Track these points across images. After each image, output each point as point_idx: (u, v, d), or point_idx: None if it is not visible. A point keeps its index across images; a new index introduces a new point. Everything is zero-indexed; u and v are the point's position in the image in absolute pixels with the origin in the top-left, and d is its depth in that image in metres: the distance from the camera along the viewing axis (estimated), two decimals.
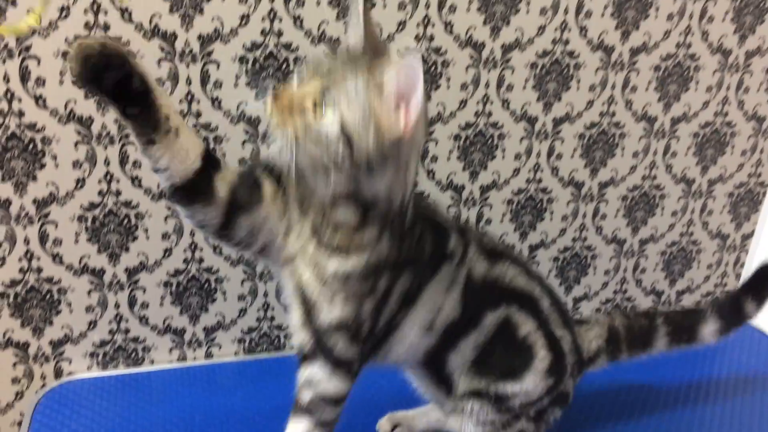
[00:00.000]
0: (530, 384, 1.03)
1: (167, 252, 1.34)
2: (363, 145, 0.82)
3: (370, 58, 0.85)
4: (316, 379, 0.94)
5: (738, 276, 1.76)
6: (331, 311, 0.90)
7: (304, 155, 0.84)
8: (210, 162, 0.88)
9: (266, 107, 0.83)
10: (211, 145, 1.29)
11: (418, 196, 1.00)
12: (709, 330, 1.21)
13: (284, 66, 1.27)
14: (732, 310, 1.23)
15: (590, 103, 1.46)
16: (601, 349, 1.16)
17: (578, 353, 1.11)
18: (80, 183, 1.25)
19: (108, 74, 0.77)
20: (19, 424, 1.35)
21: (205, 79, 1.24)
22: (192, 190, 0.87)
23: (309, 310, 0.91)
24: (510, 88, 1.40)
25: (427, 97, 0.81)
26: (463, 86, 1.37)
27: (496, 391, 1.02)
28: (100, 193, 1.27)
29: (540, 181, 1.51)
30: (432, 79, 1.35)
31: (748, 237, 1.72)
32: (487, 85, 1.38)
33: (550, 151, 1.48)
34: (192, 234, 1.34)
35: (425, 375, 1.06)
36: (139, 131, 0.83)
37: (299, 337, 0.94)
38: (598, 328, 1.17)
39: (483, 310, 1.00)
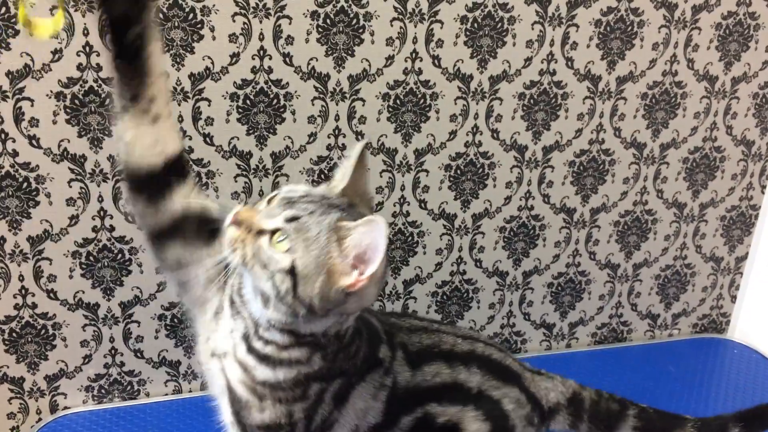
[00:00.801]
0: None
1: (161, 285, 1.35)
2: (307, 288, 0.80)
3: (344, 208, 0.84)
4: None
5: (734, 298, 1.76)
6: (262, 413, 0.88)
7: (250, 275, 0.82)
8: (177, 170, 0.87)
9: (226, 219, 0.81)
10: (203, 180, 1.31)
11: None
12: None
13: (275, 102, 1.29)
14: (716, 429, 1.14)
15: (579, 132, 1.47)
16: (561, 405, 1.12)
17: (532, 401, 1.09)
18: (74, 219, 1.27)
19: None
20: None
21: (196, 116, 1.26)
22: (143, 182, 0.86)
23: (238, 410, 0.89)
24: (499, 118, 1.41)
25: (388, 259, 0.80)
26: (452, 117, 1.39)
27: None
28: (93, 228, 1.29)
29: (532, 208, 1.52)
30: (421, 111, 1.37)
31: (742, 259, 1.72)
32: (476, 116, 1.40)
33: (541, 179, 1.50)
34: None
35: None
36: (120, 92, 0.83)
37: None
38: (561, 385, 1.13)
39: (400, 414, 0.98)
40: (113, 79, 0.83)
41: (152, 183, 0.86)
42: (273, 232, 0.80)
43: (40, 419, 1.37)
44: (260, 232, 0.80)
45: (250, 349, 0.88)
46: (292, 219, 0.80)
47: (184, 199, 0.88)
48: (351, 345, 0.92)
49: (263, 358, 0.87)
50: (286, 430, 0.90)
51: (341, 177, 0.88)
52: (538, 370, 1.14)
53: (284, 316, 0.82)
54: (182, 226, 0.88)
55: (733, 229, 1.68)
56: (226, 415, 0.92)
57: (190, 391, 1.45)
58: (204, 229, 0.89)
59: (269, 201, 0.84)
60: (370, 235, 0.78)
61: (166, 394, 1.44)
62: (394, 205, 1.43)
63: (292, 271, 0.79)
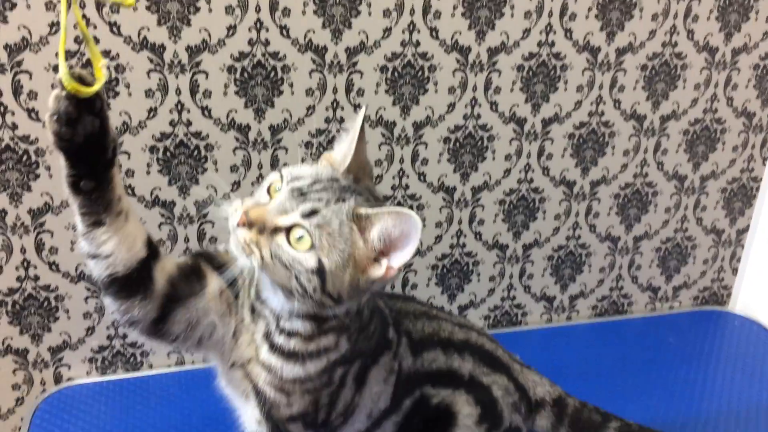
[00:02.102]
0: None
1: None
2: (336, 283, 0.77)
3: (355, 189, 0.81)
4: None
5: (735, 270, 1.76)
6: (290, 407, 0.88)
7: (270, 275, 0.79)
8: (152, 250, 0.82)
9: (232, 220, 0.77)
10: (203, 153, 1.31)
11: None
12: None
13: (272, 74, 1.29)
14: None
15: (578, 104, 1.47)
16: (546, 402, 1.13)
17: (521, 390, 1.11)
18: None
19: (85, 119, 0.71)
20: (20, 429, 1.38)
21: (194, 89, 1.27)
22: (132, 282, 0.80)
23: (269, 409, 0.89)
24: (498, 90, 1.41)
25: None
26: (451, 90, 1.39)
27: None
28: None
29: (531, 181, 1.52)
30: (420, 83, 1.37)
31: (743, 231, 1.72)
32: (474, 88, 1.40)
33: (540, 152, 1.49)
34: (186, 240, 1.37)
35: None
36: (88, 210, 0.76)
37: (254, 428, 0.92)
38: (549, 385, 1.15)
39: (403, 398, 1.00)
40: (73, 200, 0.76)
41: (140, 278, 0.81)
42: (289, 229, 0.76)
43: (44, 390, 1.39)
44: (275, 230, 0.76)
45: (273, 347, 0.86)
46: (311, 213, 0.76)
47: (163, 271, 0.83)
48: (370, 324, 0.93)
49: (290, 356, 0.86)
50: (311, 417, 0.91)
51: (345, 151, 0.85)
52: (527, 365, 1.16)
53: (311, 308, 0.82)
54: (175, 294, 0.84)
55: (734, 202, 1.68)
56: (250, 415, 0.92)
57: (193, 363, 1.47)
58: (192, 282, 0.86)
59: (269, 189, 0.81)
60: (403, 226, 0.75)
61: (169, 366, 1.46)
62: (393, 178, 1.43)
63: (319, 270, 0.76)
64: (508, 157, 1.48)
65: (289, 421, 0.90)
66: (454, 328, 1.09)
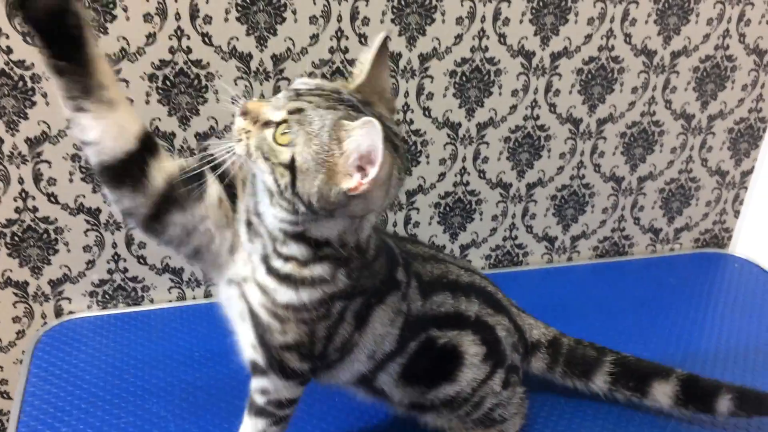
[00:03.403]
0: (470, 375, 1.03)
1: None
2: (306, 185, 0.77)
3: (354, 105, 0.79)
4: (270, 389, 0.94)
5: (737, 213, 1.76)
6: (285, 335, 0.88)
7: (255, 167, 0.80)
8: (148, 146, 0.82)
9: (237, 112, 0.80)
10: (203, 83, 1.28)
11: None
12: (664, 391, 1.13)
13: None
14: (703, 392, 1.12)
15: (588, 37, 1.43)
16: (542, 343, 1.16)
17: (519, 331, 1.13)
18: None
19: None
20: (21, 362, 1.37)
21: (194, 14, 1.22)
22: (122, 172, 0.81)
23: (262, 333, 0.89)
24: (507, 21, 1.37)
25: (396, 164, 0.79)
26: (458, 20, 1.35)
27: (439, 399, 1.04)
28: None
29: (537, 118, 1.49)
30: (426, 12, 1.33)
31: (747, 174, 1.71)
32: (483, 19, 1.36)
33: (548, 87, 1.46)
34: None
35: (358, 391, 1.05)
36: (68, 93, 0.77)
37: (250, 354, 0.92)
38: (544, 328, 1.18)
39: (409, 341, 0.99)
40: (54, 81, 0.76)
41: (131, 170, 0.81)
42: (278, 124, 0.77)
43: (45, 323, 1.38)
44: (266, 124, 0.78)
45: (270, 270, 0.86)
46: (297, 111, 0.77)
47: (162, 171, 0.83)
48: (374, 262, 0.91)
49: (284, 279, 0.85)
50: (307, 348, 0.90)
51: (358, 71, 0.83)
52: (523, 309, 1.18)
53: (286, 213, 0.81)
54: (173, 195, 0.84)
55: (740, 142, 1.66)
56: (246, 338, 0.92)
57: (194, 298, 1.46)
58: (192, 186, 0.85)
59: (278, 98, 0.81)
60: (368, 138, 0.73)
61: (170, 301, 1.45)
62: (397, 113, 1.40)
63: (291, 165, 0.76)
64: (514, 93, 1.45)
65: (283, 349, 0.89)
66: (460, 271, 1.09)
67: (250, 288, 0.88)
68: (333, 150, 0.76)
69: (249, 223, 0.87)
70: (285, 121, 0.77)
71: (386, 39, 0.83)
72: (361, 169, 0.76)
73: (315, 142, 0.76)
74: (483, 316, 1.07)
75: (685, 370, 1.14)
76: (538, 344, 1.17)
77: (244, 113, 0.79)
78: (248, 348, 0.92)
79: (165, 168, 0.84)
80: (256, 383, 0.95)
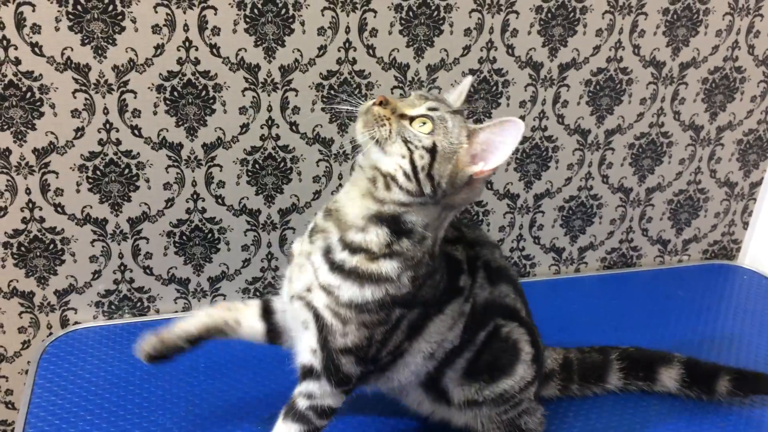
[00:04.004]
0: (521, 372, 1.05)
1: (169, 202, 1.34)
2: (441, 167, 0.87)
3: (463, 113, 0.94)
4: (317, 393, 0.97)
5: (745, 225, 1.75)
6: (346, 337, 0.92)
7: (383, 154, 0.88)
8: (267, 315, 1.05)
9: (367, 107, 0.89)
10: (210, 93, 1.27)
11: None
12: (670, 375, 1.21)
13: (283, 11, 1.25)
14: (704, 374, 1.21)
15: (597, 48, 1.43)
16: (555, 372, 1.20)
17: (541, 362, 1.14)
18: (79, 131, 1.25)
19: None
20: (26, 372, 1.37)
21: (203, 25, 1.22)
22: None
23: (326, 335, 0.93)
24: (515, 33, 1.37)
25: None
26: (467, 32, 1.35)
27: (494, 394, 1.05)
28: (99, 141, 1.26)
29: (545, 129, 1.49)
30: (435, 24, 1.33)
31: (756, 185, 1.70)
32: (491, 30, 1.35)
33: (556, 99, 1.46)
34: (194, 184, 1.34)
35: (423, 395, 1.07)
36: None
37: (308, 359, 0.96)
38: (554, 353, 1.21)
39: (478, 331, 1.02)
40: None
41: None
42: (413, 119, 0.88)
43: (51, 334, 1.37)
44: (402, 116, 0.89)
45: (333, 266, 0.91)
46: (433, 109, 0.90)
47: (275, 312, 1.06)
48: (436, 273, 0.95)
49: (349, 273, 0.90)
50: (364, 352, 0.94)
51: (455, 99, 0.97)
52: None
53: (407, 195, 0.88)
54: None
55: (749, 154, 1.65)
56: (306, 343, 0.96)
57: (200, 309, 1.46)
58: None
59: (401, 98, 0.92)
60: (504, 133, 0.87)
61: (176, 311, 1.44)
62: None
63: (432, 150, 0.87)
64: (522, 104, 1.45)
65: (342, 353, 0.93)
66: (511, 271, 1.12)
67: (315, 293, 0.93)
68: (463, 143, 0.89)
69: (311, 232, 0.96)
70: (425, 115, 0.88)
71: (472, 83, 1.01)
72: (477, 160, 0.89)
73: (451, 135, 0.88)
74: (529, 327, 1.09)
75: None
76: (552, 373, 1.20)
77: (384, 103, 0.88)
78: (306, 353, 0.96)
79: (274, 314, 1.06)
80: (303, 387, 0.98)
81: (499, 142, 0.88)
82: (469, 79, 0.99)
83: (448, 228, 0.97)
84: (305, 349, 0.96)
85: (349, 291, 0.90)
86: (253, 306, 1.06)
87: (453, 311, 0.99)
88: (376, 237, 0.90)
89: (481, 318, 1.02)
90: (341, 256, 0.91)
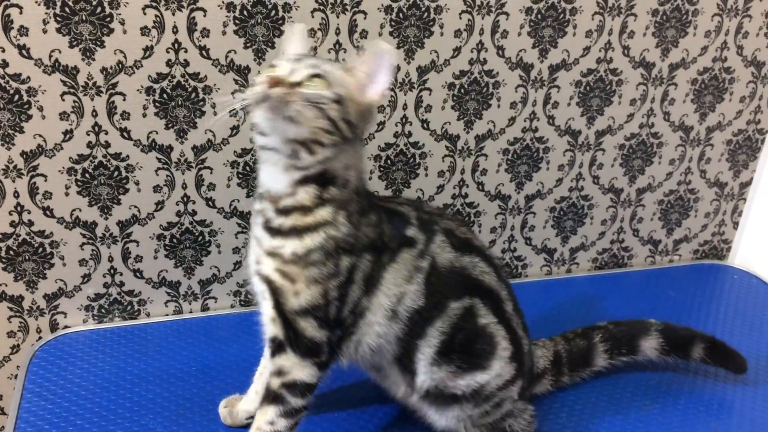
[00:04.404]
0: (498, 369, 1.04)
1: (159, 205, 1.33)
2: (350, 110, 0.92)
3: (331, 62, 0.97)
4: (286, 367, 0.97)
5: (736, 224, 1.75)
6: (298, 296, 0.94)
7: (296, 124, 0.89)
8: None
9: (260, 88, 0.88)
10: (200, 95, 1.27)
11: (371, 194, 1.04)
12: (650, 345, 1.25)
13: (273, 13, 1.24)
14: (681, 340, 1.26)
15: (587, 50, 1.43)
16: (547, 369, 1.21)
17: (532, 361, 1.15)
18: (68, 134, 1.24)
19: None
20: (15, 377, 1.36)
21: (192, 27, 1.22)
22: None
23: (277, 299, 0.95)
24: (505, 34, 1.37)
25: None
26: (457, 33, 1.35)
27: (470, 388, 1.04)
28: (88, 144, 1.26)
29: (536, 130, 1.49)
30: (425, 25, 1.32)
31: (746, 185, 1.71)
32: (481, 31, 1.36)
33: (546, 99, 1.46)
34: (184, 186, 1.33)
35: (399, 375, 1.05)
36: None
37: (270, 330, 0.97)
38: (545, 350, 1.22)
39: (447, 298, 1.01)
40: None
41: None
42: (300, 83, 0.90)
43: (40, 338, 1.36)
44: (292, 85, 0.90)
45: (273, 231, 0.95)
46: (315, 66, 0.92)
47: None
48: (371, 212, 0.98)
49: (289, 232, 0.94)
50: (322, 311, 0.95)
51: (305, 51, 1.00)
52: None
53: (333, 148, 0.91)
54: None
55: (739, 154, 1.66)
56: (267, 314, 0.97)
57: (191, 312, 1.45)
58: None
59: (271, 66, 0.93)
60: (377, 58, 0.92)
61: (167, 315, 1.43)
62: (396, 125, 1.40)
63: (339, 99, 0.91)
64: (513, 105, 1.45)
65: (299, 315, 0.94)
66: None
67: (263, 262, 0.96)
68: (350, 82, 0.93)
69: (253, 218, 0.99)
70: (313, 75, 0.90)
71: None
72: (369, 89, 0.94)
73: (339, 81, 0.92)
74: (512, 323, 1.08)
75: (676, 377, 1.28)
76: (544, 372, 1.20)
77: (278, 83, 0.89)
78: (269, 325, 0.97)
79: None
80: (274, 364, 0.98)
81: (377, 66, 0.92)
82: (300, 26, 1.01)
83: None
84: (267, 322, 0.98)
85: (291, 246, 0.93)
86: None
87: (406, 261, 0.99)
88: (305, 194, 0.93)
89: (448, 282, 1.01)
90: (278, 221, 0.94)
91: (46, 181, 1.26)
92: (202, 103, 1.28)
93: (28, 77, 1.18)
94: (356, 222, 0.96)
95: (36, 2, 1.13)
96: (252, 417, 1.08)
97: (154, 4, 1.18)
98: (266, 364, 1.10)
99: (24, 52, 1.16)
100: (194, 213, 1.36)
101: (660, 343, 1.24)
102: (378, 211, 1.00)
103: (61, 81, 1.20)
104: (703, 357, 1.26)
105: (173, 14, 1.20)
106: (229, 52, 1.25)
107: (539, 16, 1.37)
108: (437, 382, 1.03)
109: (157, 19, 1.20)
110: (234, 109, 1.00)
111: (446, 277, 1.01)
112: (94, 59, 1.19)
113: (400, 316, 0.99)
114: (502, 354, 1.05)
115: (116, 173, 1.29)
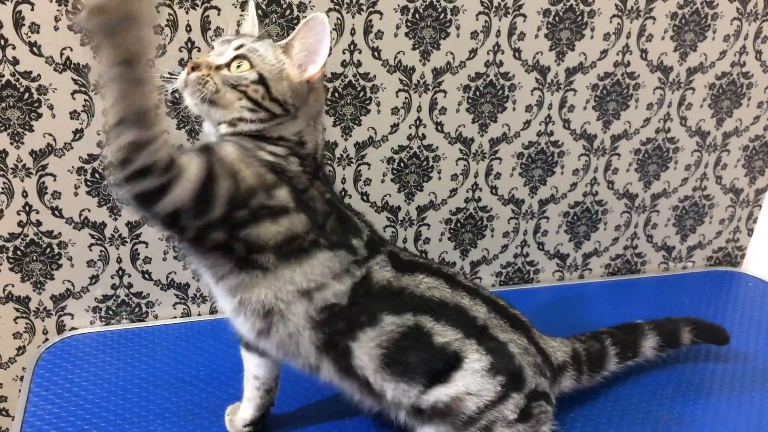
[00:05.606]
0: (467, 384, 0.98)
1: None
2: (278, 87, 0.92)
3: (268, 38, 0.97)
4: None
5: (750, 231, 1.73)
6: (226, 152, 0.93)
7: (220, 106, 0.91)
8: None
9: (182, 75, 0.91)
10: None
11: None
12: (649, 345, 1.25)
13: (288, 13, 1.22)
14: (671, 332, 1.27)
15: (604, 52, 1.41)
16: (568, 363, 1.14)
17: (542, 354, 1.08)
18: (78, 134, 1.22)
19: None
20: (21, 379, 1.34)
21: (205, 26, 1.20)
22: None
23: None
24: (522, 36, 1.35)
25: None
26: (473, 35, 1.33)
27: (436, 403, 0.98)
28: (99, 144, 1.24)
29: (551, 134, 1.47)
30: (441, 26, 1.31)
31: (762, 192, 1.69)
32: (498, 33, 1.34)
33: (563, 103, 1.44)
34: None
35: (333, 369, 1.00)
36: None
37: None
38: (562, 345, 1.15)
39: (380, 310, 0.97)
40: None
41: None
42: (228, 65, 0.91)
43: (47, 339, 1.34)
44: (218, 68, 0.92)
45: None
46: (240, 47, 0.93)
47: None
48: (328, 185, 0.99)
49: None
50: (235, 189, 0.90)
51: (251, 29, 1.00)
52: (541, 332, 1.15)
53: (262, 123, 0.92)
54: None
55: (755, 160, 1.64)
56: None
57: (199, 315, 1.43)
58: None
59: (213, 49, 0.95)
60: (314, 33, 0.91)
61: (175, 317, 1.41)
62: (410, 127, 1.38)
63: (261, 80, 0.91)
64: (528, 108, 1.43)
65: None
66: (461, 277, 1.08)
67: None
68: (283, 59, 0.93)
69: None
70: (237, 57, 0.91)
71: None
72: (305, 67, 0.93)
73: (268, 58, 0.93)
74: (492, 329, 1.02)
75: (691, 387, 1.29)
76: (564, 365, 1.13)
77: (196, 66, 0.91)
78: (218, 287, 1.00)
79: None
80: None
81: (314, 42, 0.92)
82: (251, 3, 1.03)
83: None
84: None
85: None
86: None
87: (341, 259, 0.96)
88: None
89: (381, 296, 0.97)
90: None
91: (55, 180, 1.24)
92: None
93: (39, 75, 1.16)
94: (310, 170, 0.95)
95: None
96: (249, 425, 1.10)
97: (167, 2, 1.17)
98: (248, 367, 1.10)
99: (35, 49, 1.14)
100: None
101: (657, 341, 1.25)
102: (333, 205, 0.98)
103: (72, 79, 1.18)
104: (693, 339, 1.28)
105: (187, 12, 1.18)
106: None
107: (557, 18, 1.35)
108: (401, 396, 0.99)
109: (171, 17, 1.18)
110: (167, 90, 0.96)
111: (379, 292, 0.97)
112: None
113: (314, 302, 0.94)
114: (471, 366, 0.98)
115: None
